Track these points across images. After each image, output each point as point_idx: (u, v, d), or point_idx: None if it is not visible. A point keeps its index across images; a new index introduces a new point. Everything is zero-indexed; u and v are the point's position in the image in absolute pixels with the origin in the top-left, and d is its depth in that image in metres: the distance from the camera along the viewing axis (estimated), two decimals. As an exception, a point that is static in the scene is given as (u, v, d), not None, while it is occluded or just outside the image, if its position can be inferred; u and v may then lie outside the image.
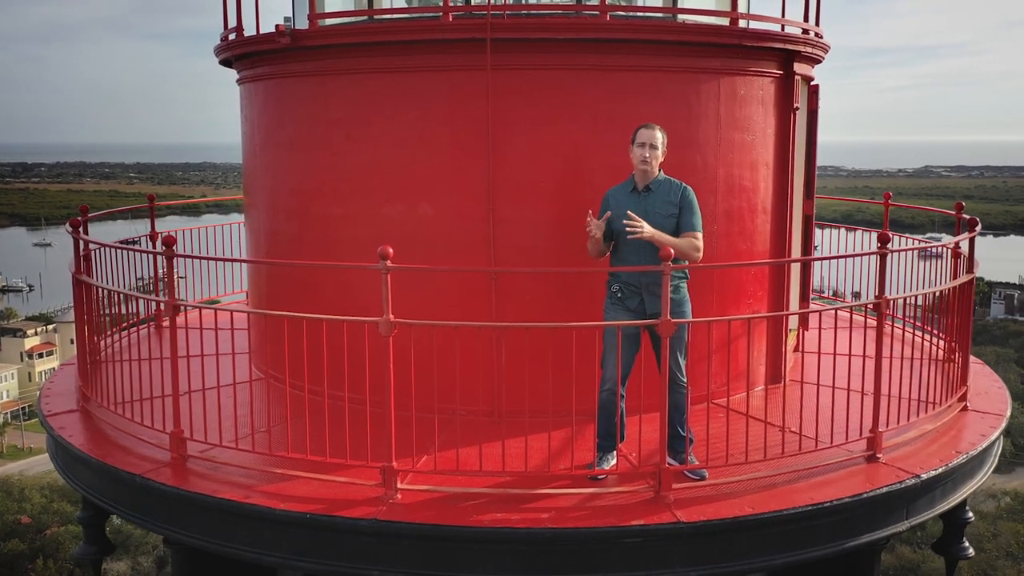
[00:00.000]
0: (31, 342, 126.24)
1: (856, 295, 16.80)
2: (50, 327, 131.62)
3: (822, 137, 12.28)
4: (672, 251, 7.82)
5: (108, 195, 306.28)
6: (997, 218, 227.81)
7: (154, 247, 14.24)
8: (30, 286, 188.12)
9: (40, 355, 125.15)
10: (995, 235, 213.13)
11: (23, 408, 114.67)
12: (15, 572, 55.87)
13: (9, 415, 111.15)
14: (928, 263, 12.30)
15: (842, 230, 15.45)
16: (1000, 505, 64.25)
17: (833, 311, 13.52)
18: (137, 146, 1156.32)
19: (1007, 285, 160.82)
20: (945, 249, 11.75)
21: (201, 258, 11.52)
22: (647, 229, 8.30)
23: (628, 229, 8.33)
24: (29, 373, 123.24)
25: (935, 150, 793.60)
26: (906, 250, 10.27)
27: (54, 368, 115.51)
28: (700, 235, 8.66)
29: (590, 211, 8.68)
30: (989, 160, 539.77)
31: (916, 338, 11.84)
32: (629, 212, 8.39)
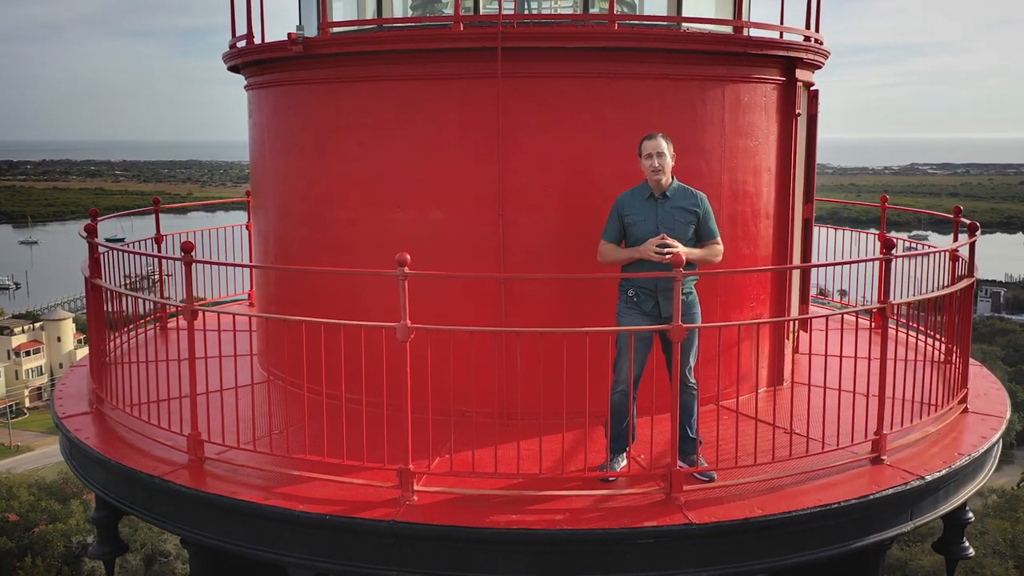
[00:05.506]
0: (18, 340, 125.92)
1: (842, 293, 16.90)
2: (37, 325, 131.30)
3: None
4: (683, 259, 8.01)
5: (94, 193, 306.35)
6: (983, 216, 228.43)
7: (158, 248, 14.37)
8: (16, 284, 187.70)
9: (27, 353, 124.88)
10: (981, 232, 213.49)
11: (10, 406, 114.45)
12: (3, 570, 55.81)
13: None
14: (917, 262, 12.41)
15: (833, 230, 15.49)
16: (988, 503, 64.39)
17: (839, 315, 13.68)
18: (123, 143, 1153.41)
19: (993, 283, 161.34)
20: (943, 253, 11.89)
21: (221, 264, 11.63)
22: (681, 250, 8.44)
23: (662, 252, 8.50)
24: (16, 371, 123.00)
25: (921, 147, 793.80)
26: (910, 255, 10.38)
27: (41, 366, 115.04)
28: (720, 238, 9.01)
29: (663, 235, 8.68)
30: (975, 158, 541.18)
31: (914, 340, 11.97)
32: (664, 236, 8.59)
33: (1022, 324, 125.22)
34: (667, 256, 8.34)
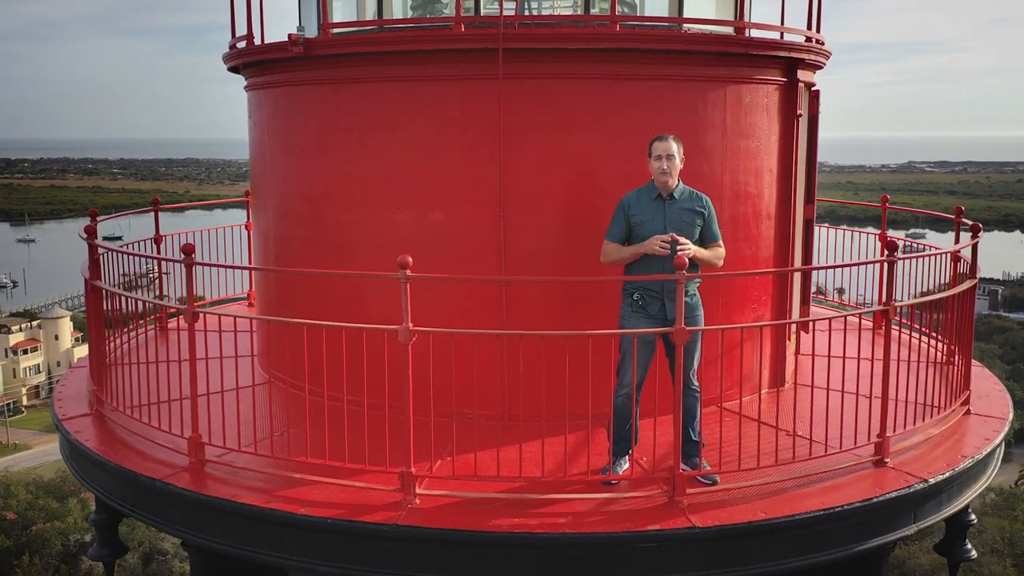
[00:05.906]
0: (15, 338, 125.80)
1: (839, 291, 16.84)
2: (34, 323, 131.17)
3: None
4: (687, 261, 8.03)
5: (91, 191, 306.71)
6: (980, 214, 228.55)
7: (158, 248, 14.32)
8: (14, 282, 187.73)
9: (25, 351, 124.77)
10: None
11: (8, 404, 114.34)
12: (1, 568, 55.73)
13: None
14: (918, 261, 12.39)
15: (831, 230, 15.42)
16: (985, 501, 64.29)
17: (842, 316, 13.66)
18: (120, 142, 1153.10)
19: (991, 281, 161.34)
20: (945, 254, 11.86)
21: (222, 266, 11.58)
22: (692, 249, 8.54)
23: (666, 245, 8.48)
24: (14, 369, 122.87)
25: (918, 146, 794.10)
26: (912, 256, 10.36)
27: (38, 364, 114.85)
28: (722, 241, 9.06)
29: (672, 234, 8.63)
30: (972, 156, 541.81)
31: (916, 341, 11.93)
32: (673, 235, 8.55)
33: (1020, 322, 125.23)
34: (680, 251, 8.33)
